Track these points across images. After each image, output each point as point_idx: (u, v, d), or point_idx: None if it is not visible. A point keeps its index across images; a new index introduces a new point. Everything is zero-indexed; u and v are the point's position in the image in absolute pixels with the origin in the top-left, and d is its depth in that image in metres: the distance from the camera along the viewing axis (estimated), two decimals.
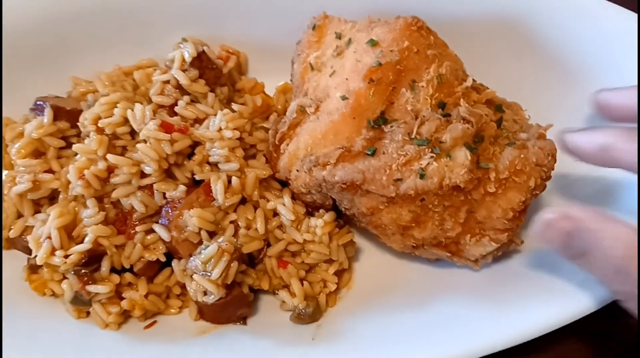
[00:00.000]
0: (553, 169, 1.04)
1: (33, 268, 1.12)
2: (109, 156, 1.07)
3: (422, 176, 0.96)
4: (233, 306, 1.09)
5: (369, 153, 1.00)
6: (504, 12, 1.25)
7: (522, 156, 1.01)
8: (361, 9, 1.21)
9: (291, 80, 1.21)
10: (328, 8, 1.23)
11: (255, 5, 1.32)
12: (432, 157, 0.97)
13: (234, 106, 1.16)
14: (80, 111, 1.16)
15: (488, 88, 1.11)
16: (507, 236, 1.04)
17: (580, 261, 0.89)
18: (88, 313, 1.10)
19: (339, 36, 1.14)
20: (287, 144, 1.11)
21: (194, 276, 1.05)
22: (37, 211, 1.14)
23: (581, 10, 1.20)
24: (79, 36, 1.29)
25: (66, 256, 1.04)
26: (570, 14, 1.21)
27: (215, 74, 1.20)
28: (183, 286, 1.13)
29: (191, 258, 1.06)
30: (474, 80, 1.09)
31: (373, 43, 1.07)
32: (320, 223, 1.10)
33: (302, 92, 1.15)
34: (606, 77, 1.16)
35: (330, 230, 1.11)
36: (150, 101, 1.17)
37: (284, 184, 1.15)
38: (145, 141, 1.08)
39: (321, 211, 1.13)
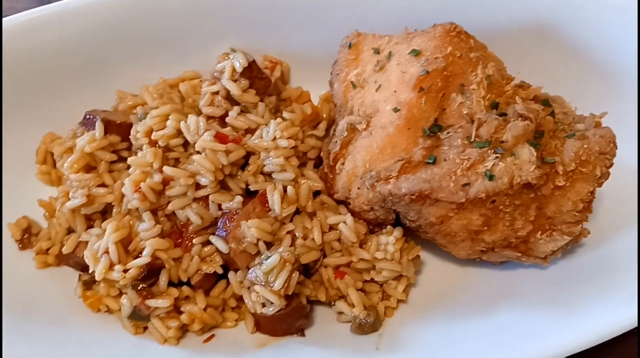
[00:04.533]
0: (615, 156, 1.03)
1: (87, 285, 1.11)
2: (165, 168, 1.06)
3: (490, 178, 0.95)
4: (292, 317, 1.07)
5: (430, 161, 0.99)
6: (533, 15, 1.26)
7: (585, 146, 1.00)
8: (395, 19, 1.23)
9: (333, 102, 1.21)
10: (362, 18, 1.25)
11: (293, 17, 1.32)
12: (496, 157, 0.97)
13: (285, 115, 1.15)
14: (130, 124, 1.16)
15: (532, 85, 1.11)
16: (579, 228, 1.03)
17: None
18: (145, 328, 1.08)
19: (377, 51, 1.15)
20: (342, 164, 1.10)
21: (255, 287, 1.03)
22: (90, 227, 1.12)
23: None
24: (121, 51, 1.29)
25: (125, 271, 1.03)
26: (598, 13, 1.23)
27: (264, 83, 1.20)
28: (239, 299, 1.11)
29: (250, 270, 1.05)
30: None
31: (416, 53, 1.08)
32: (391, 240, 1.08)
33: (347, 110, 1.15)
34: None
35: (401, 246, 1.10)
36: (199, 113, 1.16)
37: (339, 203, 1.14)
38: (199, 152, 1.07)
39: (388, 227, 1.11)
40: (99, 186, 1.11)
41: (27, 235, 1.17)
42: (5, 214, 1.19)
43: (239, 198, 1.07)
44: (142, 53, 1.30)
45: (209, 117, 1.14)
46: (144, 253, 1.04)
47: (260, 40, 1.33)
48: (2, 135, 1.22)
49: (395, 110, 1.05)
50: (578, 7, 1.23)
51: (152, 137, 1.09)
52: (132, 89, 1.29)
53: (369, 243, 1.10)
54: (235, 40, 1.32)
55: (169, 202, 1.08)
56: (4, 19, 1.21)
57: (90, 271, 1.05)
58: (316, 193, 1.14)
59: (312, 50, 1.34)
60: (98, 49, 1.27)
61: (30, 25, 1.22)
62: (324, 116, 1.27)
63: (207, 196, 1.08)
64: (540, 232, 1.03)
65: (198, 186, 1.08)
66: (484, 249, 1.05)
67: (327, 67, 1.24)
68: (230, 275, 1.10)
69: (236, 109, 1.16)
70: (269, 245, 1.07)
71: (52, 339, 1.05)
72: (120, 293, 1.07)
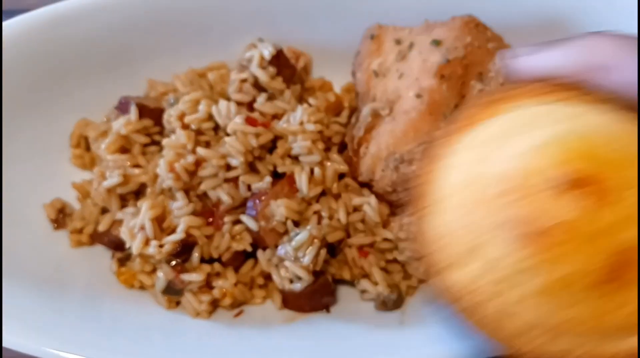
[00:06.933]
0: None
1: (121, 261, 1.15)
2: (198, 150, 1.11)
3: None
4: (319, 293, 1.11)
5: None
6: (547, 9, 1.30)
7: None
8: (413, 13, 1.27)
9: (355, 91, 1.26)
10: (381, 12, 1.30)
11: (315, 11, 1.36)
12: None
13: (311, 101, 1.20)
14: (162, 110, 1.21)
15: None
16: None
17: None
18: (178, 303, 1.12)
19: (398, 42, 1.20)
20: (366, 148, 1.15)
21: (285, 263, 1.08)
22: (124, 206, 1.17)
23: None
24: (150, 42, 1.33)
25: (160, 246, 1.07)
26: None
27: (290, 72, 1.25)
28: (266, 277, 1.16)
29: (280, 247, 1.09)
30: None
31: (437, 43, 1.13)
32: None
33: (370, 98, 1.20)
34: None
35: None
36: (228, 99, 1.21)
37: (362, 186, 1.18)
38: (228, 135, 1.12)
39: None
40: (133, 166, 1.16)
41: (62, 215, 1.22)
42: (40, 197, 1.24)
43: (268, 179, 1.12)
44: (170, 45, 1.34)
45: (237, 103, 1.19)
46: (178, 229, 1.08)
47: (284, 33, 1.37)
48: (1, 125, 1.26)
49: (418, 96, 1.10)
50: (590, 1, 1.28)
51: (185, 121, 1.14)
52: (161, 78, 1.34)
53: (392, 224, 1.14)
54: (259, 33, 1.36)
55: (200, 183, 1.13)
56: (38, 10, 1.26)
57: (127, 246, 1.10)
58: (340, 176, 1.18)
59: (333, 43, 1.38)
60: (128, 40, 1.31)
61: (62, 17, 1.26)
62: (346, 105, 1.32)
63: (237, 178, 1.13)
64: None
65: (228, 168, 1.13)
66: None
67: (347, 60, 1.29)
68: (259, 253, 1.14)
69: (264, 95, 1.20)
70: (296, 224, 1.11)
71: (87, 314, 1.09)
72: (154, 270, 1.12)
